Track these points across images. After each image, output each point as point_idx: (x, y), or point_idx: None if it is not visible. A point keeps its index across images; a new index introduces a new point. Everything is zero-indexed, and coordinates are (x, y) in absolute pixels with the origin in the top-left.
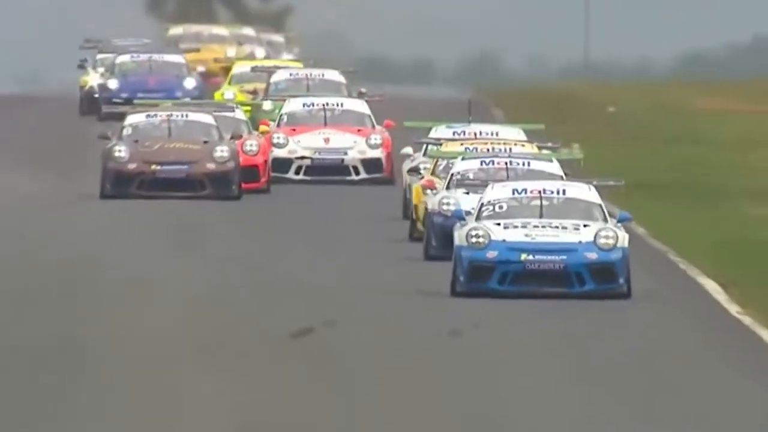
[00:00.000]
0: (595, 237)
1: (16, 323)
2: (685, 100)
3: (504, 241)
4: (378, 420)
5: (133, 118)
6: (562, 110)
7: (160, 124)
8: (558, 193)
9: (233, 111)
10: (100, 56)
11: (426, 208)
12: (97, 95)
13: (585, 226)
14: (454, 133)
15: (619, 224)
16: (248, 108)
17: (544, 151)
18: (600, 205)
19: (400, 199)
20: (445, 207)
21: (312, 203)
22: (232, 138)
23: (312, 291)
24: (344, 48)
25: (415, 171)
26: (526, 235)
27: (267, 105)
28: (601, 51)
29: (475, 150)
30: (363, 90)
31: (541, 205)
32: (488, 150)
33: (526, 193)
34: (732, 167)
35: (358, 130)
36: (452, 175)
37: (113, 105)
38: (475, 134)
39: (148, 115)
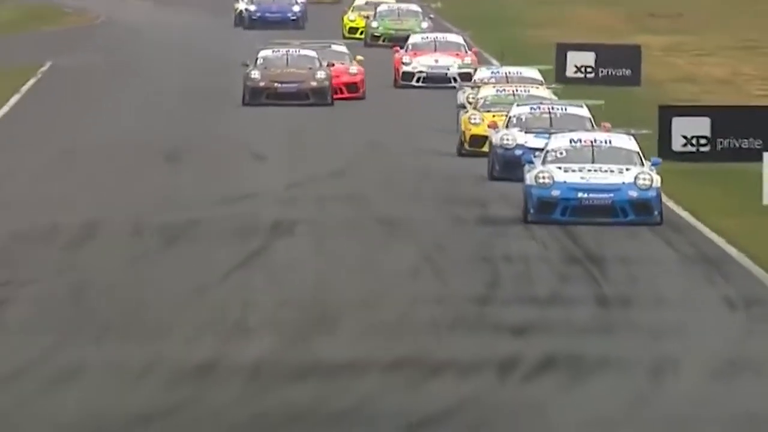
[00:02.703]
0: (635, 179)
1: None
2: None
3: (565, 182)
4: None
5: (264, 53)
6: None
7: (281, 56)
8: (605, 142)
9: (330, 46)
10: None
11: (491, 142)
12: (244, 15)
13: (627, 170)
14: (492, 73)
15: (653, 167)
16: (364, 25)
17: (551, 89)
18: (638, 152)
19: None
20: (505, 142)
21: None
22: (328, 65)
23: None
24: None
25: (461, 106)
26: (582, 177)
27: (374, 23)
28: None
29: (504, 91)
30: (432, 15)
31: (593, 152)
32: (513, 92)
33: (580, 142)
34: (517, 19)
35: (456, 54)
36: (510, 117)
37: (253, 22)
38: (506, 74)
39: (273, 51)
